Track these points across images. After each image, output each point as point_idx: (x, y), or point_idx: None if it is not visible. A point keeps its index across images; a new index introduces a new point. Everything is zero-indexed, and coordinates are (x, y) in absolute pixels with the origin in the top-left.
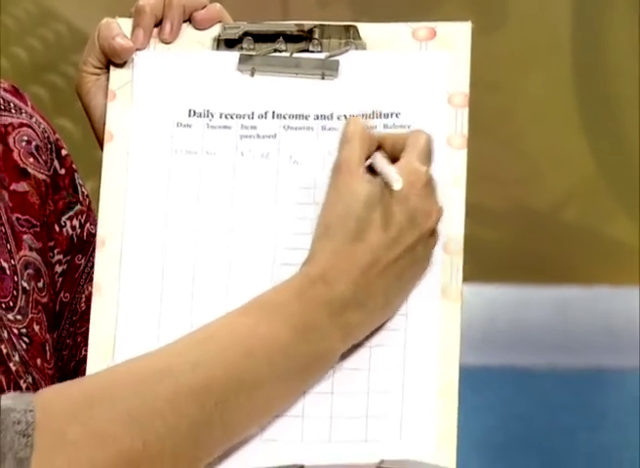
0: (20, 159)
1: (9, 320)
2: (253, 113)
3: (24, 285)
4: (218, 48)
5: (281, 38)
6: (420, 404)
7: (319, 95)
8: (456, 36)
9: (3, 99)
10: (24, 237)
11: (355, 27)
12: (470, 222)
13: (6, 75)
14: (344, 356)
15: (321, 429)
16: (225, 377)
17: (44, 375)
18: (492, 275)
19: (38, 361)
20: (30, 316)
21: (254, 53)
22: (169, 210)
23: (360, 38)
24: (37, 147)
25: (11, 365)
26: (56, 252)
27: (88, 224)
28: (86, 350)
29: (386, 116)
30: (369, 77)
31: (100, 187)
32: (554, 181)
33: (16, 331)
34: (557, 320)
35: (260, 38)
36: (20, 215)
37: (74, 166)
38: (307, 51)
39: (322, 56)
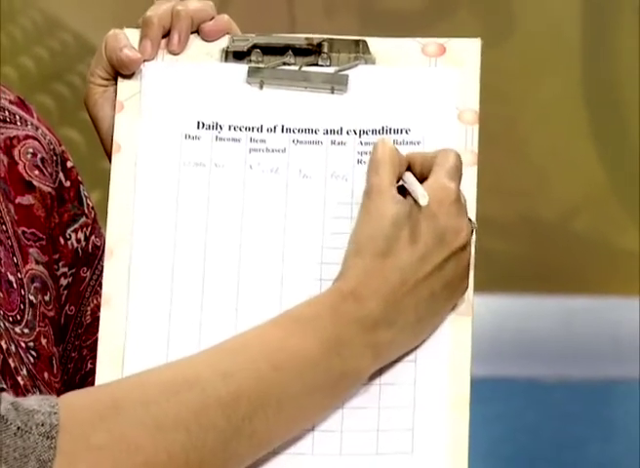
0: (26, 172)
1: (16, 333)
2: (262, 126)
3: (31, 298)
4: (226, 60)
5: (290, 51)
6: (431, 417)
7: (328, 109)
8: (465, 53)
9: (9, 112)
10: (30, 250)
11: (365, 42)
12: (478, 233)
13: (13, 84)
14: None
15: (332, 442)
16: (254, 390)
17: (51, 389)
18: (500, 285)
19: (45, 374)
20: (37, 329)
21: (262, 65)
22: (177, 221)
23: (369, 53)
24: (42, 160)
25: (19, 378)
26: (61, 264)
27: (93, 237)
28: (92, 363)
29: (396, 131)
30: (378, 92)
31: (106, 198)
32: (563, 192)
33: (23, 344)
34: (566, 330)
35: (269, 51)
36: (25, 229)
37: (80, 178)
38: (316, 65)
39: (331, 70)
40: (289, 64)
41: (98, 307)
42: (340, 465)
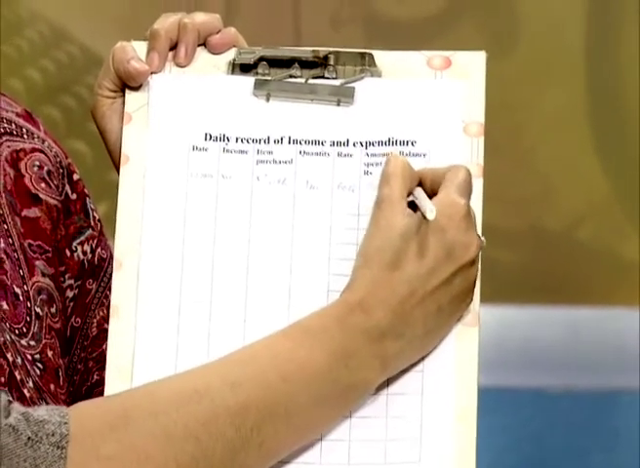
0: (32, 184)
1: (22, 346)
2: (269, 138)
3: (37, 310)
4: (233, 72)
5: (296, 64)
6: (438, 427)
7: (335, 121)
8: (470, 66)
9: (15, 125)
10: (37, 263)
11: (370, 55)
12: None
13: (20, 96)
14: None
15: (340, 451)
16: (262, 400)
17: (57, 401)
18: (505, 295)
19: (52, 386)
20: (44, 341)
21: (269, 78)
22: (185, 233)
23: (375, 65)
24: (49, 172)
25: (25, 391)
26: (67, 277)
27: (99, 249)
28: (98, 375)
29: (402, 144)
30: (384, 104)
31: (113, 210)
32: (568, 201)
33: (29, 356)
34: (571, 340)
35: (276, 63)
36: (32, 241)
37: (86, 190)
38: (322, 77)
39: (337, 82)
40: (295, 77)
41: (104, 319)
42: None
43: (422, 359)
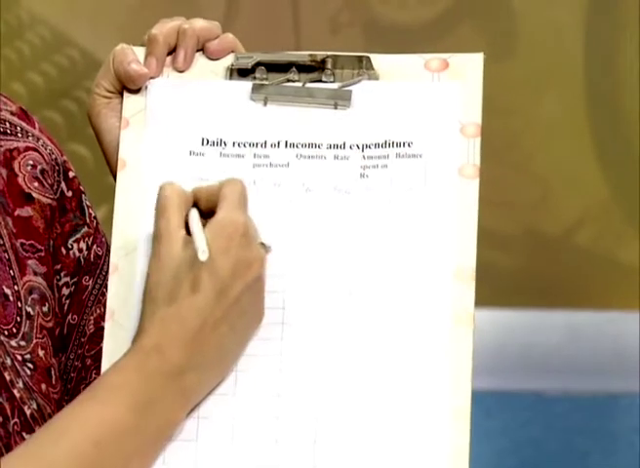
0: (25, 184)
1: (12, 346)
2: (266, 142)
3: (29, 310)
4: (230, 77)
5: (294, 68)
6: (431, 429)
7: (332, 124)
8: (468, 67)
9: (10, 123)
10: (29, 262)
11: (368, 58)
12: (482, 247)
13: (21, 100)
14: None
15: (335, 454)
16: None
17: (49, 400)
18: (504, 299)
19: (43, 386)
20: (35, 341)
21: (266, 82)
22: None
23: (373, 68)
24: (42, 171)
25: (15, 391)
26: (62, 274)
27: (95, 246)
28: (96, 373)
29: (398, 145)
30: (381, 107)
31: (112, 213)
32: (567, 206)
33: (19, 357)
34: (569, 344)
35: (273, 68)
36: (24, 241)
37: (82, 188)
38: (320, 81)
39: (335, 86)
40: (293, 81)
41: (101, 317)
42: None
43: (416, 360)
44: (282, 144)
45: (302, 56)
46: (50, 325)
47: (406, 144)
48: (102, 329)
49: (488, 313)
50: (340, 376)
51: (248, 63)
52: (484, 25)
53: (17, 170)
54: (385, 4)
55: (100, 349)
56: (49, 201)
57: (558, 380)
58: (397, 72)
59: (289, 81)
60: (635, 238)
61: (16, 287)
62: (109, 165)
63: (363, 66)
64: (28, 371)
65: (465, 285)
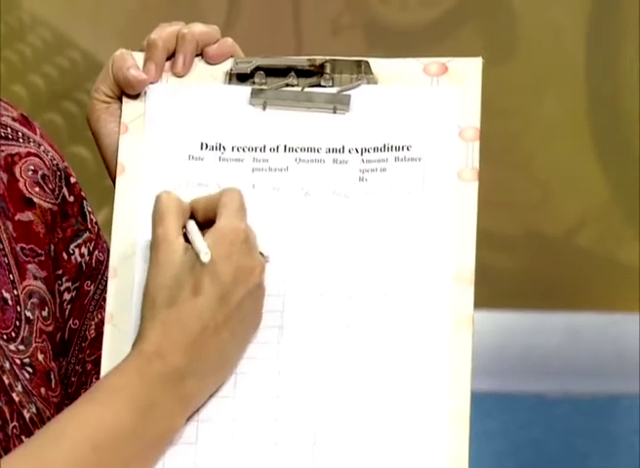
0: (26, 189)
1: (11, 350)
2: (265, 146)
3: (28, 314)
4: (229, 82)
5: (293, 73)
6: (430, 432)
7: (331, 128)
8: (467, 71)
9: (11, 129)
10: (29, 266)
11: (367, 62)
12: (482, 248)
13: (23, 102)
14: (354, 384)
15: (334, 456)
16: None
17: (49, 404)
18: (504, 301)
19: (42, 390)
20: (34, 345)
21: (265, 87)
22: None
23: (372, 73)
24: (43, 176)
25: (14, 395)
26: (64, 279)
27: (96, 252)
28: (97, 378)
29: (397, 149)
30: (380, 111)
31: (112, 217)
32: (567, 207)
33: (18, 361)
34: (570, 346)
35: (272, 72)
36: (24, 245)
37: (83, 193)
38: (319, 85)
39: (333, 90)
40: (292, 85)
41: (102, 322)
42: None
43: (415, 362)
44: (281, 149)
45: (301, 60)
46: (50, 329)
47: (405, 148)
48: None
49: (488, 314)
50: (340, 379)
51: (247, 68)
52: (485, 27)
53: (17, 175)
54: (386, 6)
55: (101, 354)
56: (49, 206)
57: (558, 382)
58: (396, 76)
59: (288, 85)
60: (636, 239)
61: (15, 291)
62: (108, 169)
63: (362, 71)
64: (27, 375)
65: (465, 288)
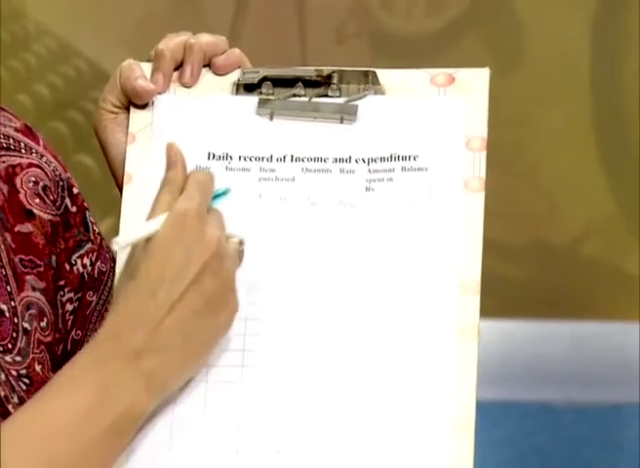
0: (27, 200)
1: (7, 362)
2: (271, 156)
3: (25, 326)
4: (237, 92)
5: (300, 83)
6: (434, 442)
7: (338, 138)
8: (474, 82)
9: (14, 139)
10: (27, 278)
11: (374, 73)
12: (488, 258)
13: (28, 111)
14: (360, 393)
15: (335, 465)
16: None
17: None
18: (510, 310)
19: None
20: (31, 356)
21: (273, 97)
22: None
23: (379, 83)
24: (45, 187)
25: (9, 407)
26: (66, 290)
27: (99, 263)
28: None
29: (404, 159)
30: (387, 121)
31: (118, 226)
32: (572, 217)
33: (14, 372)
34: (575, 355)
35: (279, 83)
36: (23, 256)
37: (85, 204)
38: (326, 96)
39: (341, 100)
40: (299, 96)
41: None
42: None
43: (420, 371)
44: (288, 158)
45: (309, 71)
46: (48, 339)
47: (411, 158)
48: None
49: (494, 323)
50: (344, 387)
51: (254, 79)
52: (490, 37)
53: (18, 186)
54: (391, 15)
55: None
56: (50, 217)
57: (564, 391)
58: (403, 87)
59: (295, 96)
60: None
61: (12, 302)
62: (115, 178)
63: (369, 81)
64: (24, 386)
65: (470, 297)
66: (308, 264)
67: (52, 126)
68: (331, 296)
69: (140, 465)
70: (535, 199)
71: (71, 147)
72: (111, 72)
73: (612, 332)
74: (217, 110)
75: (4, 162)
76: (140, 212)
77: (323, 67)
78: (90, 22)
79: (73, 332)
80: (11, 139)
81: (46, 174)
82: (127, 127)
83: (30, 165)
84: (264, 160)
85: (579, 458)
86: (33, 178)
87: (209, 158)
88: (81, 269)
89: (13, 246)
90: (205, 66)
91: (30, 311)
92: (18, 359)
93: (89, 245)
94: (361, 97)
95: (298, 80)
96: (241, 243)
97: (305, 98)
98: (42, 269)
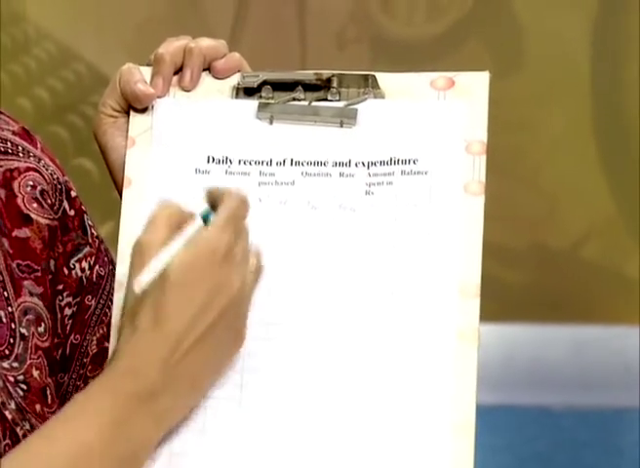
0: (24, 205)
1: (4, 368)
2: (271, 160)
3: (23, 331)
4: (237, 96)
5: (300, 87)
6: (434, 445)
7: (337, 142)
8: (474, 85)
9: (11, 143)
10: (25, 283)
11: (374, 76)
12: (488, 261)
13: (28, 115)
14: (358, 400)
15: None
16: None
17: (44, 420)
18: (510, 314)
19: (37, 406)
20: (29, 362)
21: (272, 101)
22: None
23: (378, 87)
24: (42, 192)
25: (6, 413)
26: (65, 294)
27: (97, 266)
28: None
29: (404, 162)
30: (387, 125)
31: (118, 229)
32: (573, 220)
33: (12, 378)
34: (576, 359)
35: (279, 87)
36: (20, 261)
37: (84, 207)
38: (326, 100)
39: (340, 104)
40: (299, 100)
41: (104, 337)
42: None
43: (419, 375)
44: (287, 162)
45: (308, 75)
46: (46, 345)
47: (411, 161)
48: (106, 349)
49: (494, 327)
50: (344, 390)
51: (254, 82)
52: (490, 41)
53: (16, 190)
54: (392, 20)
55: (102, 370)
56: (47, 221)
57: (564, 395)
58: (403, 91)
59: (295, 100)
60: None
61: (9, 308)
62: (115, 182)
63: (369, 85)
64: (21, 392)
65: (470, 301)
66: (308, 268)
67: (52, 130)
68: (330, 300)
69: None
70: (535, 202)
71: (71, 151)
72: (111, 76)
73: (612, 336)
74: (216, 114)
75: (1, 166)
76: (140, 215)
77: (323, 71)
78: (90, 26)
79: (72, 337)
80: (8, 143)
81: (44, 177)
82: (127, 131)
83: (28, 169)
84: (264, 164)
85: (579, 463)
86: (31, 182)
87: (208, 162)
88: (79, 273)
89: (10, 251)
90: (205, 70)
91: (28, 316)
92: (15, 365)
93: (87, 248)
94: (361, 101)
95: (297, 84)
96: (258, 257)
97: (305, 102)
98: (39, 274)
